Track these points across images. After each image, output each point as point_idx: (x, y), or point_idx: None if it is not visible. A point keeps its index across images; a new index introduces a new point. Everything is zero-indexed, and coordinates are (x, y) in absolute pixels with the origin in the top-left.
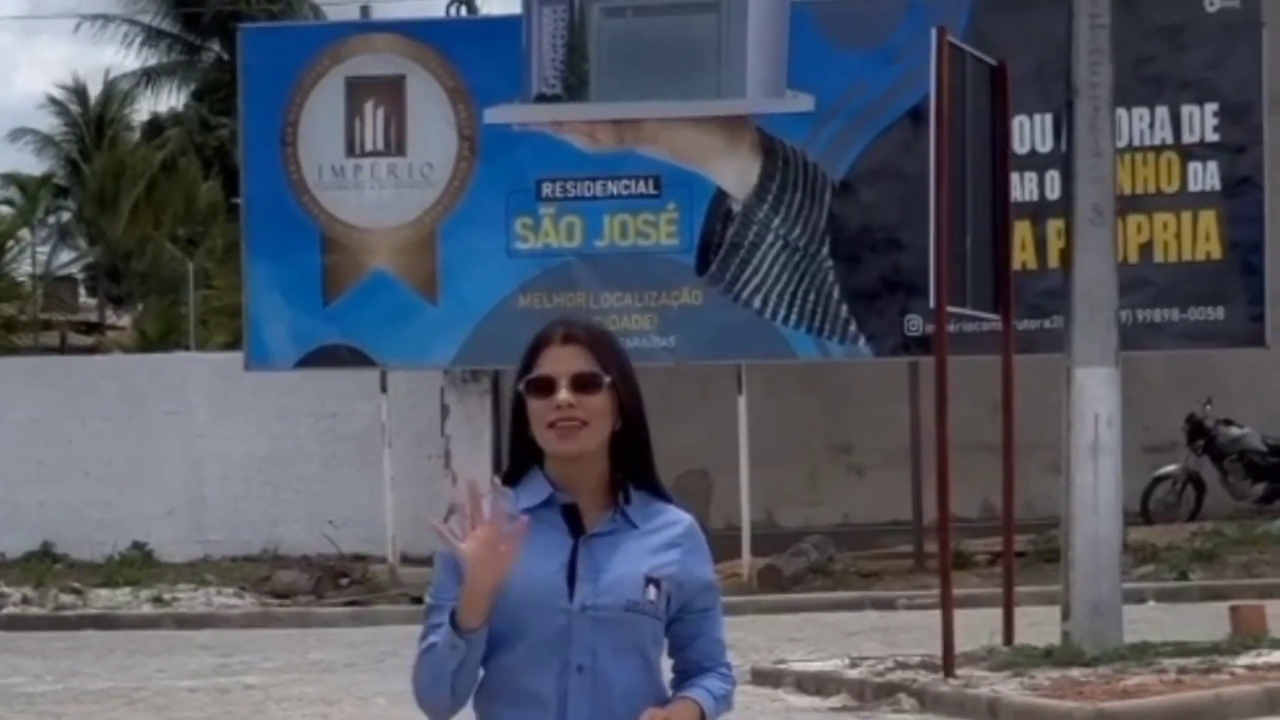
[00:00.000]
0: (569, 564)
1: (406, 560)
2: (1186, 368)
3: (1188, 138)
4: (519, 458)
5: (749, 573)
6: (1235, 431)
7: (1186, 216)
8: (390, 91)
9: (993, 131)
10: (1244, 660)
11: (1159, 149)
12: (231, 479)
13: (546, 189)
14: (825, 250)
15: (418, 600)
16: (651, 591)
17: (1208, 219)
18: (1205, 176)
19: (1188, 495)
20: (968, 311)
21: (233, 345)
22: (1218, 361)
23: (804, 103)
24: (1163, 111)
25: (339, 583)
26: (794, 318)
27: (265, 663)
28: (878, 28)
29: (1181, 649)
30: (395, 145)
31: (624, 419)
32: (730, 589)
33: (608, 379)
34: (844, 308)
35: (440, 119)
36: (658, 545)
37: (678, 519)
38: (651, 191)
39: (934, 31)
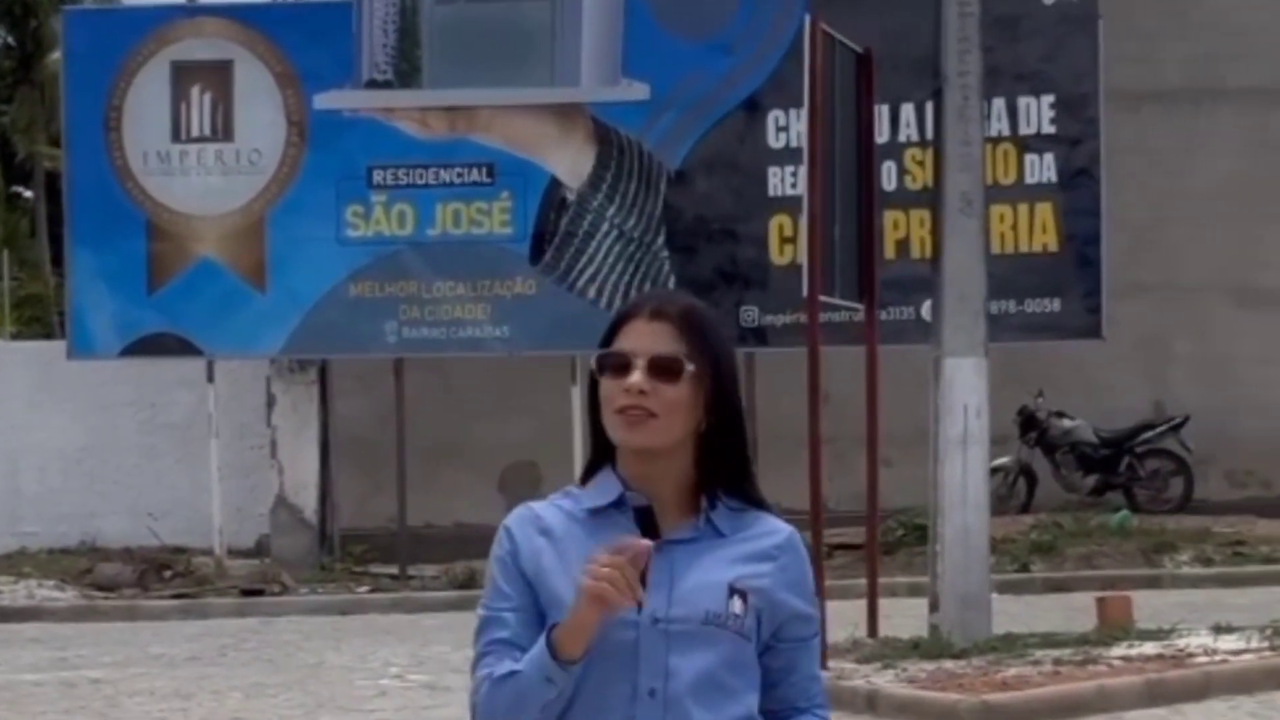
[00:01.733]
0: (640, 572)
1: (230, 553)
2: (1018, 360)
3: (1025, 129)
4: (598, 449)
5: None
6: (1067, 424)
7: (1023, 209)
8: (217, 76)
9: (858, 119)
10: (1118, 652)
11: (996, 141)
12: (48, 470)
13: (378, 176)
14: (661, 240)
15: (247, 592)
16: (737, 603)
17: (1044, 211)
18: (1042, 169)
19: (1020, 487)
20: (836, 301)
21: (19, 336)
22: (1049, 353)
23: (639, 91)
24: (1000, 103)
25: (162, 575)
26: None
27: (104, 657)
28: (714, 17)
29: (1050, 640)
30: (222, 131)
31: (714, 416)
32: None
33: (691, 367)
34: None
35: (269, 104)
36: (748, 554)
37: (775, 529)
38: (485, 180)
39: (807, 18)
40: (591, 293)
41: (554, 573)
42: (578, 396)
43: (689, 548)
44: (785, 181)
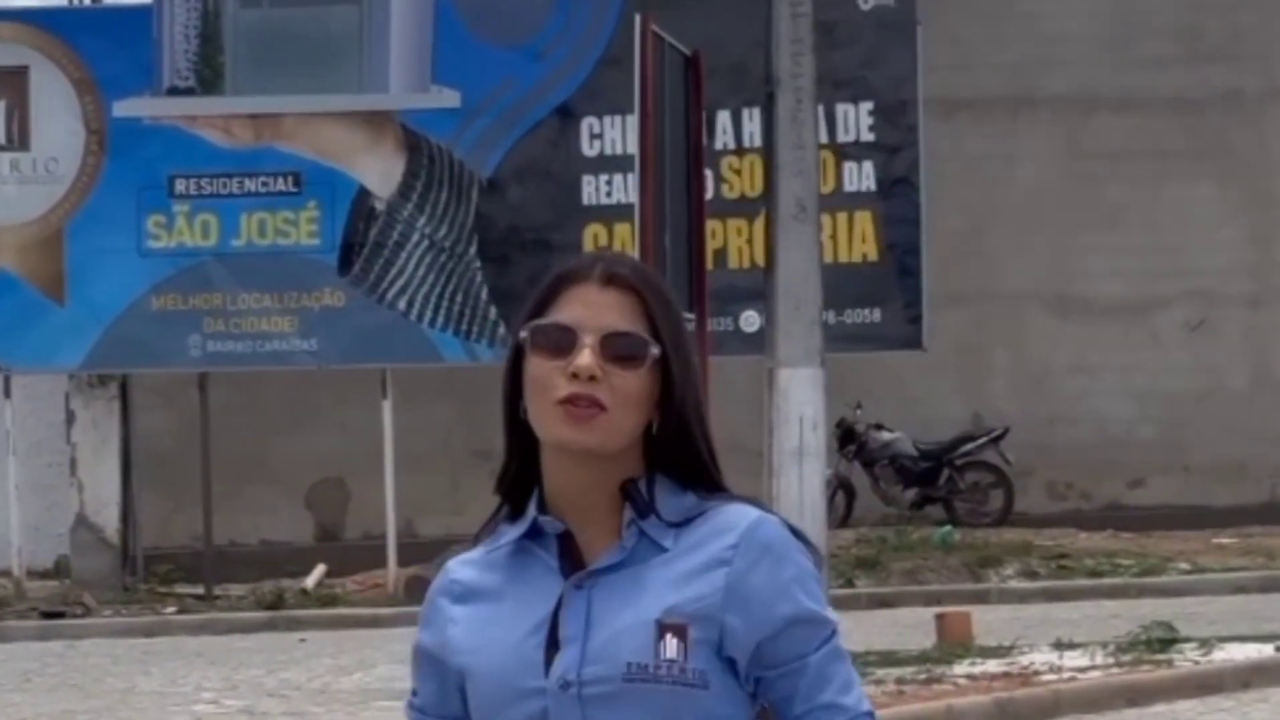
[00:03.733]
0: (550, 622)
1: (30, 573)
2: (837, 371)
3: (843, 137)
4: (514, 448)
5: (396, 583)
6: (886, 436)
7: (842, 217)
8: (12, 83)
9: (687, 125)
10: (961, 669)
11: None
12: None
13: (180, 186)
14: (473, 250)
15: (48, 615)
16: (671, 644)
17: (864, 220)
18: (861, 177)
19: (839, 501)
20: None
21: None
22: (868, 364)
23: (449, 99)
24: (818, 110)
25: None
26: (441, 320)
27: None
28: (525, 23)
29: (888, 658)
30: (18, 139)
31: (669, 412)
32: (376, 600)
33: (656, 351)
34: (493, 309)
35: (66, 112)
36: (691, 570)
37: (731, 522)
38: (291, 189)
39: (637, 18)
40: (402, 304)
41: (459, 641)
42: (389, 411)
43: (615, 578)
44: (600, 190)
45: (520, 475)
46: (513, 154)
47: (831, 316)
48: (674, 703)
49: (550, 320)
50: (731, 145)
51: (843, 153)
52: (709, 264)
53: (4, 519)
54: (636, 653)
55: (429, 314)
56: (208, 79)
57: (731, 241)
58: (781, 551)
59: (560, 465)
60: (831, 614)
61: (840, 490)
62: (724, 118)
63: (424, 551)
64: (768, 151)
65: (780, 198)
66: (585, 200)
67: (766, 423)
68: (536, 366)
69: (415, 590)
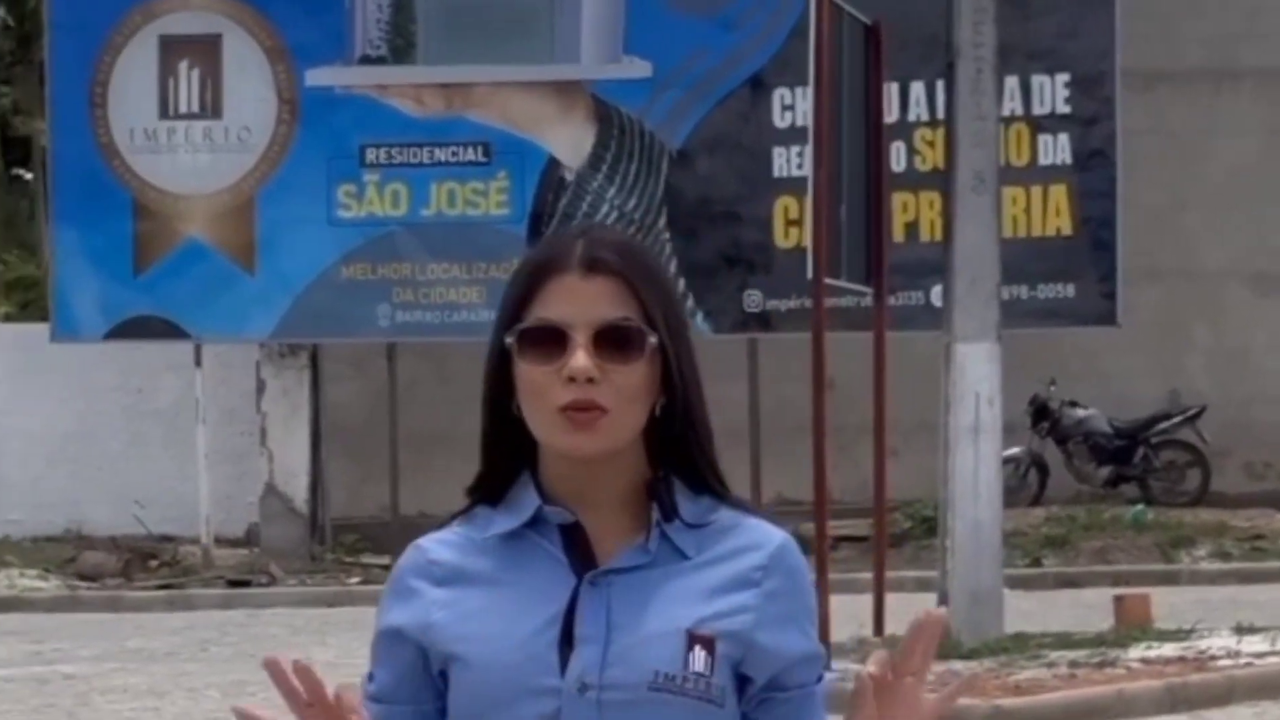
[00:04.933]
0: (564, 618)
1: (219, 542)
2: (1030, 347)
3: (1038, 109)
4: (501, 451)
5: None
6: (1080, 413)
7: (1036, 191)
8: (206, 51)
9: (867, 95)
10: (1135, 653)
11: (1009, 121)
12: (32, 457)
13: (371, 155)
14: (662, 222)
15: (234, 583)
16: (699, 657)
17: (1058, 193)
18: (1056, 150)
19: (1031, 479)
20: (843, 284)
21: (18, 319)
22: (1062, 341)
23: (641, 69)
24: (1012, 82)
25: (148, 564)
26: None
27: (81, 650)
28: None
29: (1064, 641)
30: (211, 107)
31: (672, 394)
32: None
33: (653, 339)
34: (681, 282)
35: (259, 80)
36: (719, 583)
37: (758, 541)
38: (481, 159)
39: None
40: None
41: (448, 627)
42: None
43: (634, 578)
44: (791, 162)
45: (506, 471)
46: (703, 125)
47: (1024, 291)
48: (694, 717)
49: (536, 322)
50: (925, 117)
51: (1038, 125)
52: (900, 237)
53: (194, 487)
54: (664, 661)
55: None
56: (399, 48)
57: (924, 214)
58: (803, 580)
59: (561, 463)
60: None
61: (1033, 468)
62: (917, 89)
63: None
64: (948, 123)
65: (959, 169)
66: (776, 172)
67: (943, 399)
68: (528, 373)
69: None
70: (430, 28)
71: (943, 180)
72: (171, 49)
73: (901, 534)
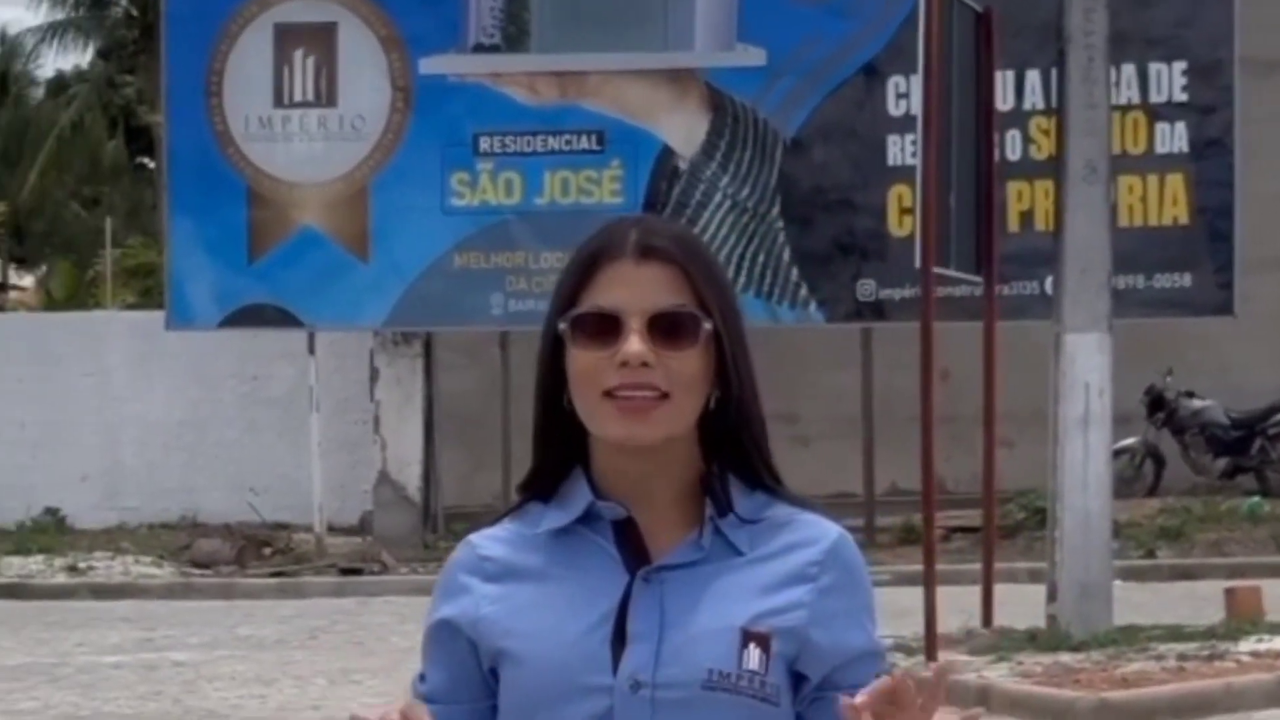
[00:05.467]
0: (616, 615)
1: (333, 529)
2: (1146, 337)
3: (1155, 97)
4: (552, 445)
5: None
6: (1197, 404)
7: (1153, 179)
8: (321, 39)
9: (978, 82)
10: (1246, 646)
11: (1125, 109)
12: (149, 444)
13: (484, 143)
14: (775, 211)
15: (346, 571)
16: (754, 655)
17: (1175, 182)
18: (1173, 138)
19: (1147, 469)
20: (952, 273)
21: (139, 306)
22: (1179, 331)
23: (755, 56)
24: (1129, 69)
25: (262, 552)
26: (742, 281)
27: (191, 637)
28: None
29: (1174, 633)
30: (326, 96)
31: (726, 386)
32: None
33: (708, 325)
34: (795, 271)
35: (373, 68)
36: (774, 579)
37: (813, 535)
38: (594, 147)
39: None
40: None
41: (499, 622)
42: None
43: (687, 574)
44: (905, 150)
45: (558, 466)
46: (817, 113)
47: (1140, 281)
48: (749, 716)
49: (589, 309)
50: (1040, 105)
51: (1155, 113)
52: (1014, 226)
53: (307, 475)
54: (718, 659)
55: (730, 275)
56: (513, 36)
57: (1039, 203)
58: (861, 575)
59: (615, 456)
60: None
61: (1148, 458)
62: (1033, 77)
63: None
64: (1059, 111)
65: (1070, 158)
66: (890, 161)
67: (1051, 389)
68: (581, 359)
69: None
70: (544, 15)
71: (1055, 167)
72: (287, 37)
73: (1015, 525)
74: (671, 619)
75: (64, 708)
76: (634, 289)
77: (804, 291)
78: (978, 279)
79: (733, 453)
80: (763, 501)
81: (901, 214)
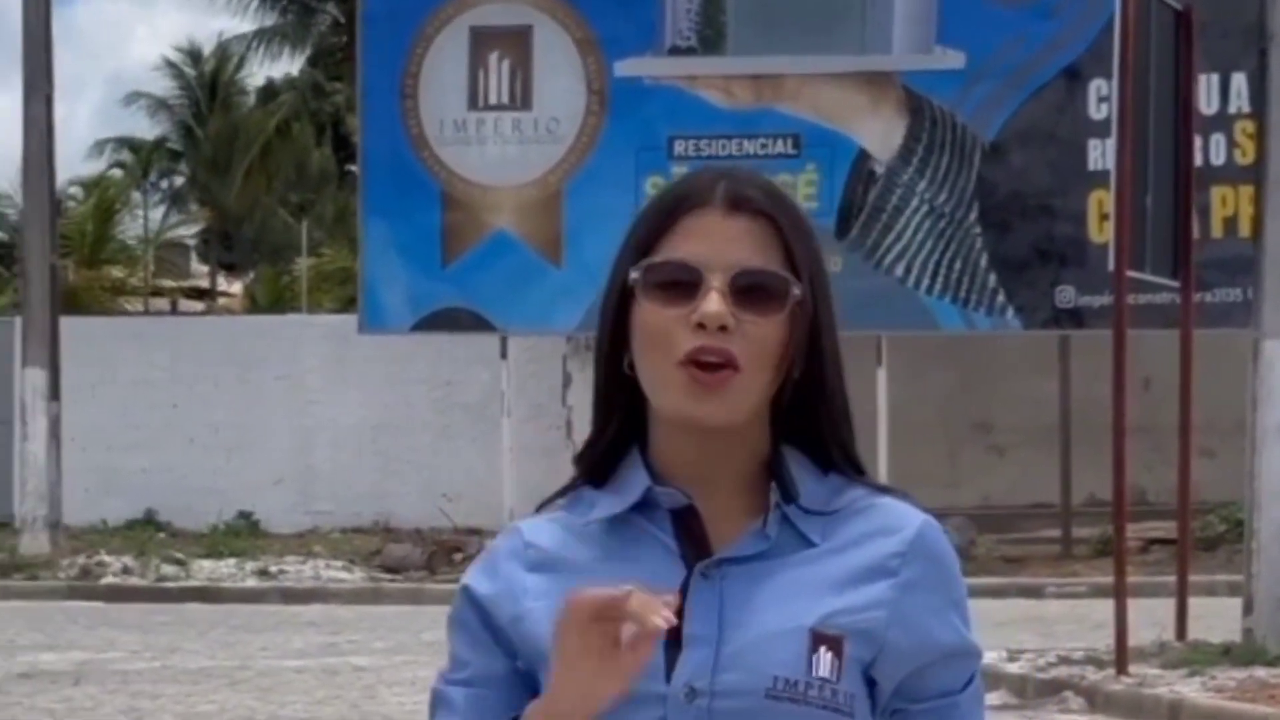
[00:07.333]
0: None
1: None
2: None
3: None
4: (609, 416)
5: None
6: None
7: None
8: (516, 42)
9: (1176, 83)
10: None
11: None
12: (341, 448)
13: (679, 147)
14: (973, 216)
15: None
16: (825, 659)
17: None
18: None
19: None
20: (1147, 277)
21: (337, 312)
22: None
23: (954, 60)
24: None
25: (452, 558)
26: (939, 287)
27: (376, 642)
28: None
29: None
30: (520, 99)
31: (808, 362)
32: None
33: (797, 291)
34: (992, 277)
35: (568, 71)
36: (848, 573)
37: (894, 524)
38: (790, 151)
39: None
40: (899, 270)
41: (542, 622)
42: (883, 379)
43: (753, 570)
44: (1107, 155)
45: (616, 442)
46: (1017, 117)
47: None
48: None
49: (667, 258)
50: (1246, 109)
51: None
52: (1218, 231)
53: (499, 481)
54: (785, 665)
55: (926, 280)
56: (709, 39)
57: (1243, 209)
58: (950, 568)
59: (677, 434)
60: (980, 644)
61: None
62: (1238, 80)
63: None
64: (1259, 113)
65: (1270, 162)
66: (1091, 165)
67: (1250, 397)
68: (650, 315)
69: None
70: (740, 18)
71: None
72: (482, 40)
73: (1216, 537)
74: (732, 618)
75: (240, 711)
76: (719, 243)
77: (1001, 298)
78: (1174, 284)
79: (808, 433)
80: (837, 486)
81: (1102, 219)
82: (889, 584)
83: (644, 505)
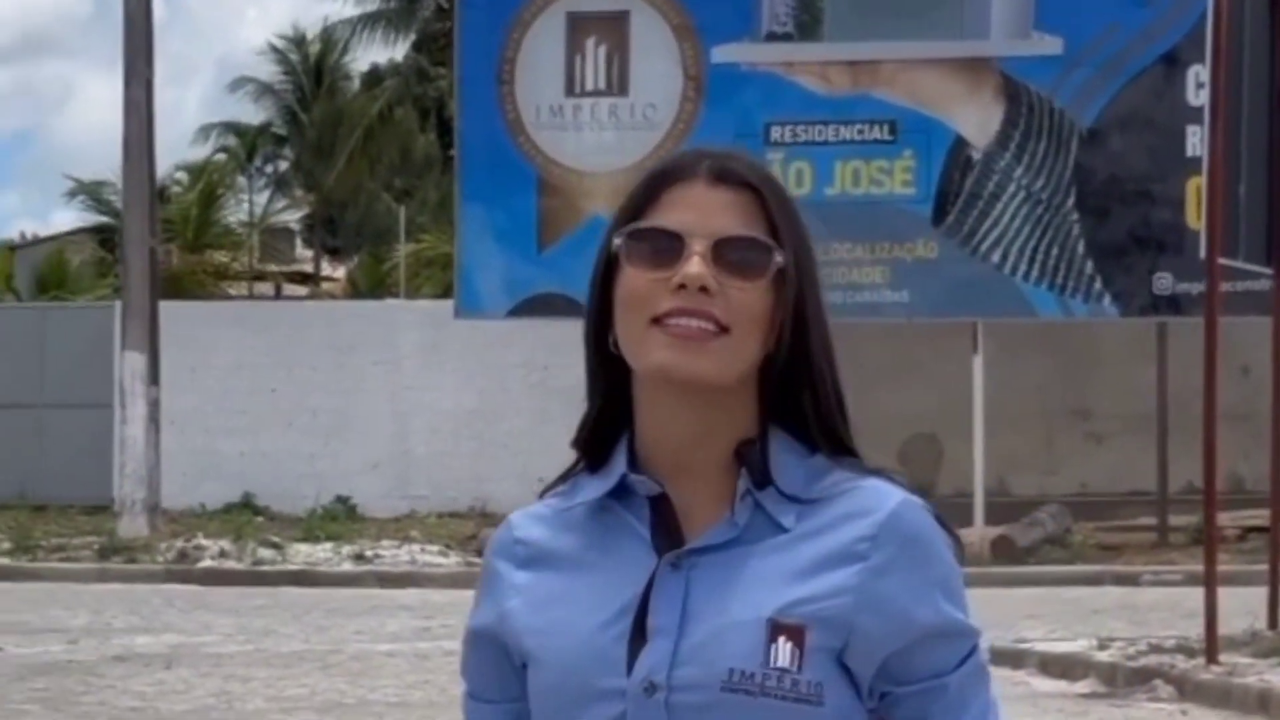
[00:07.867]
0: (638, 607)
1: None
2: None
3: None
4: (597, 394)
5: (981, 542)
6: None
7: None
8: (613, 28)
9: (1271, 70)
10: None
11: None
12: (438, 432)
13: (775, 133)
14: (1070, 202)
15: None
16: (785, 650)
17: None
18: None
19: None
20: (1239, 264)
21: (441, 298)
22: None
23: (1052, 45)
24: None
25: None
26: (1035, 273)
27: None
28: None
29: None
30: (617, 84)
31: (792, 335)
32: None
33: (780, 259)
34: (1089, 264)
35: (665, 57)
36: (814, 560)
37: (867, 505)
38: (886, 137)
39: None
40: (996, 257)
41: (521, 617)
42: (979, 366)
43: (721, 560)
44: (1205, 141)
45: (608, 423)
46: (1115, 103)
47: None
48: (781, 719)
49: (650, 224)
50: None
51: None
52: None
53: None
54: (741, 657)
55: (1023, 267)
56: (806, 25)
57: None
58: (927, 545)
59: (659, 407)
60: (976, 623)
61: None
62: None
63: (1014, 511)
64: None
65: None
66: (1189, 151)
67: None
68: (632, 279)
69: (1001, 551)
70: (838, 4)
71: None
72: (579, 26)
73: None
74: (695, 610)
75: (330, 694)
76: (702, 212)
77: (1098, 285)
78: (1267, 271)
79: (797, 416)
80: (823, 468)
81: (1200, 206)
82: (857, 569)
83: (624, 492)
